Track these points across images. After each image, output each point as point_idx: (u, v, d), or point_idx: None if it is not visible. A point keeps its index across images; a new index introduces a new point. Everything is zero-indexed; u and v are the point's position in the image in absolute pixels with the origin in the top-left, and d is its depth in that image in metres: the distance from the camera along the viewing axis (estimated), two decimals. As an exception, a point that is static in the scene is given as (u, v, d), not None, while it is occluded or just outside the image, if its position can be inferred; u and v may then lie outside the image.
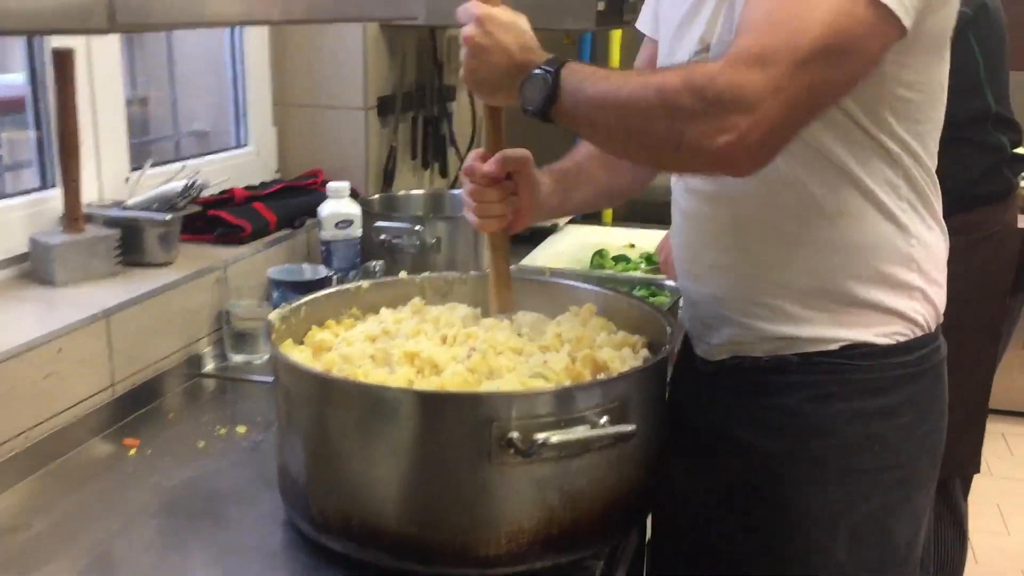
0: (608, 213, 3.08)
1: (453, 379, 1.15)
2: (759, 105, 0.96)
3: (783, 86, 0.97)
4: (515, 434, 1.03)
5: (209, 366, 1.73)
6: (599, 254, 2.24)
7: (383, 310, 1.41)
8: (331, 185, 1.97)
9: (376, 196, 2.28)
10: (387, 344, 1.29)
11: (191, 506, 1.26)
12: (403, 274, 1.46)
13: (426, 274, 1.47)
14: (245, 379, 1.69)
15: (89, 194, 1.76)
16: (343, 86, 2.27)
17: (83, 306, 1.49)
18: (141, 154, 2.13)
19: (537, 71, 1.11)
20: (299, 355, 1.24)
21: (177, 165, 1.88)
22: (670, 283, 1.79)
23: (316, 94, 2.29)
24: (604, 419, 1.07)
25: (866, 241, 1.17)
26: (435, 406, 1.05)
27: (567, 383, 1.17)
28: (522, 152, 1.29)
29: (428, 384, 1.15)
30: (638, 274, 2.03)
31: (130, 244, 1.68)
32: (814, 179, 1.15)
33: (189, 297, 1.70)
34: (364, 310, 1.42)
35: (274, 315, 1.26)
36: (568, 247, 2.43)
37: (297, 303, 1.33)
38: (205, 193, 1.88)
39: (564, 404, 1.06)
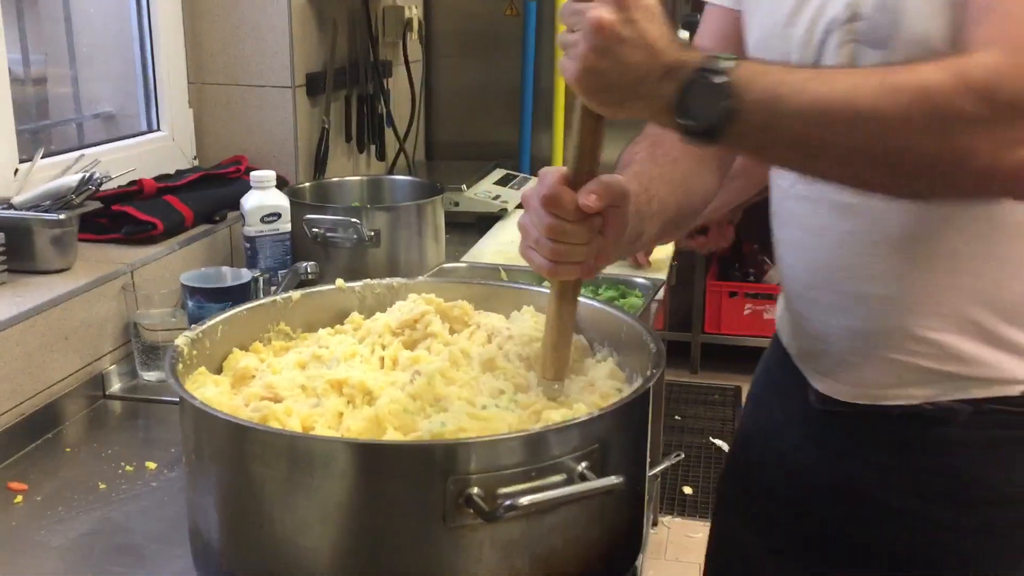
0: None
1: (390, 408, 0.96)
2: None
3: None
4: (476, 490, 0.84)
5: (115, 386, 1.51)
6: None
7: (321, 331, 1.21)
8: (255, 174, 1.75)
9: (307, 184, 2.06)
10: (319, 371, 1.09)
11: (87, 568, 1.05)
12: (339, 282, 1.26)
13: (366, 281, 1.27)
14: (158, 400, 1.48)
15: (-33, 189, 1.53)
16: (267, 62, 2.05)
17: (-43, 325, 1.27)
18: (37, 141, 1.89)
19: (703, 74, 0.81)
20: (213, 389, 1.04)
21: (74, 155, 1.64)
22: (639, 279, 1.61)
23: (237, 71, 2.06)
24: (583, 465, 0.89)
25: None
26: (376, 459, 0.86)
27: (532, 413, 0.99)
28: (622, 183, 0.94)
29: (360, 417, 0.96)
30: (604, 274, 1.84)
31: (17, 249, 1.45)
32: None
33: (90, 308, 1.48)
34: (295, 326, 1.22)
35: (181, 340, 1.06)
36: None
37: (212, 321, 1.12)
38: (109, 185, 1.64)
39: (535, 451, 0.87)
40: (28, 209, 1.48)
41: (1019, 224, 0.97)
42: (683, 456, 2.62)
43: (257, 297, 1.60)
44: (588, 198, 0.91)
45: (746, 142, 0.85)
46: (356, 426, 0.94)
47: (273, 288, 1.69)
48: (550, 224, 0.93)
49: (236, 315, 1.16)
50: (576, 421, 0.90)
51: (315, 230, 1.85)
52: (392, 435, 0.93)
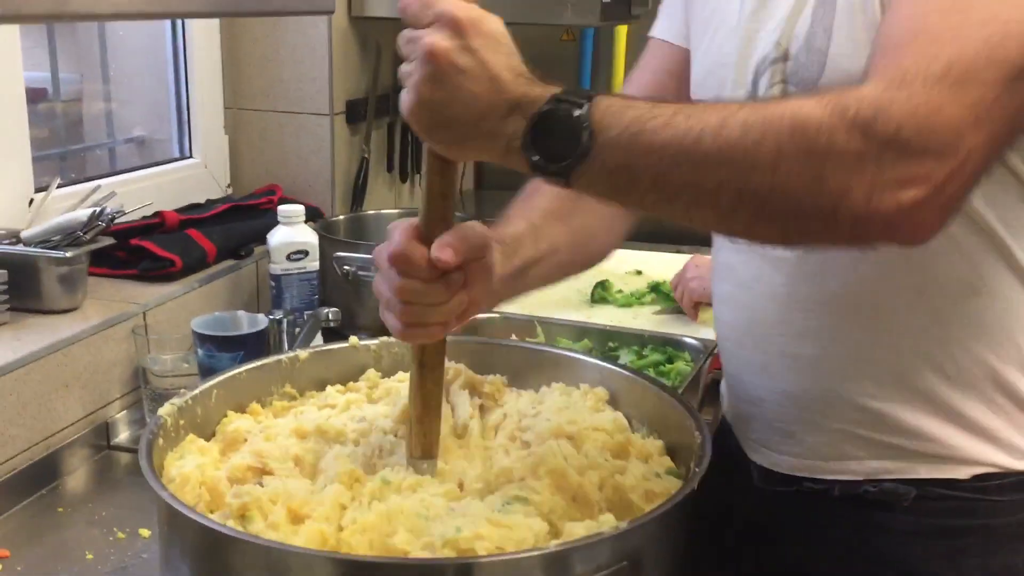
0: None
1: (404, 507, 0.83)
2: (958, 143, 0.66)
3: (985, 116, 0.67)
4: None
5: (123, 435, 1.41)
6: (601, 286, 1.91)
7: (329, 388, 1.10)
8: (282, 209, 1.65)
9: (341, 217, 1.95)
10: (319, 446, 0.97)
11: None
12: (353, 340, 1.14)
13: (383, 339, 1.15)
14: (165, 452, 1.37)
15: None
16: (306, 88, 1.95)
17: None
18: (66, 168, 1.82)
19: (560, 105, 0.73)
20: (195, 460, 0.92)
21: (92, 185, 1.55)
22: (690, 340, 1.46)
23: (275, 97, 1.96)
24: (608, 585, 0.75)
25: (1007, 320, 0.88)
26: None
27: (555, 509, 0.86)
28: (482, 231, 0.86)
29: (370, 513, 0.83)
30: (649, 327, 1.67)
31: (22, 287, 1.36)
32: (947, 244, 0.84)
33: (97, 351, 1.38)
34: (302, 387, 1.10)
35: (166, 409, 0.94)
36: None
37: (205, 386, 1.01)
38: (131, 216, 1.55)
39: (552, 569, 0.74)
40: (36, 244, 1.40)
41: (963, 280, 0.88)
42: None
43: (275, 346, 1.49)
44: (443, 252, 0.81)
45: (602, 183, 0.75)
46: (362, 520, 0.81)
47: (297, 331, 1.58)
48: (401, 285, 0.83)
49: (234, 377, 1.04)
50: (600, 536, 0.76)
51: (346, 268, 1.74)
52: (401, 537, 0.80)
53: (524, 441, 1.01)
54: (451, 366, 1.07)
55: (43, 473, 1.27)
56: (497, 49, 0.75)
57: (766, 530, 1.05)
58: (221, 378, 1.02)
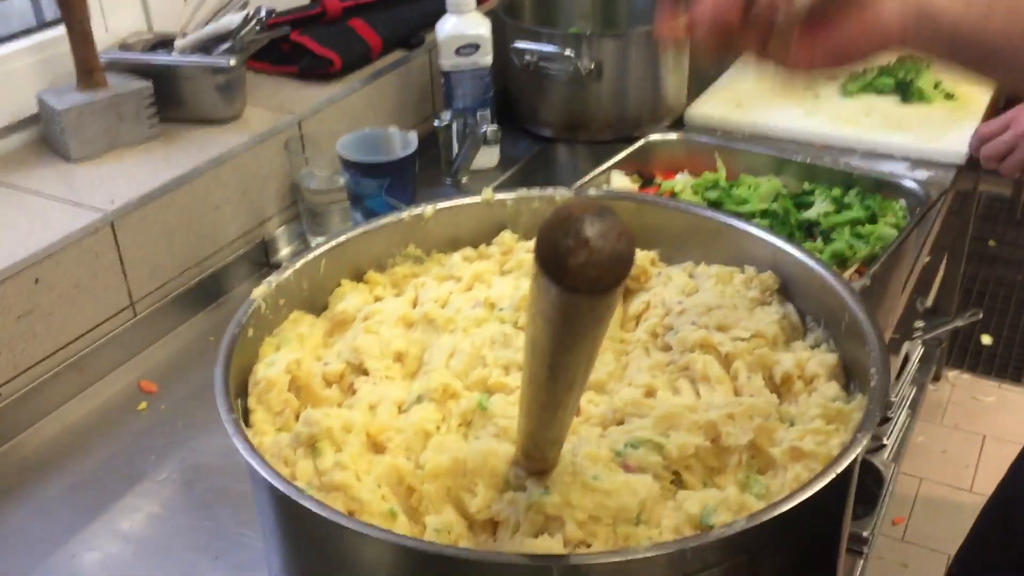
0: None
1: (486, 451, 0.71)
2: None
3: None
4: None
5: (284, 252, 1.37)
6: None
7: (455, 255, 0.97)
8: (452, -5, 1.46)
9: (527, -2, 1.72)
10: (426, 336, 0.86)
11: (183, 515, 0.94)
12: (487, 193, 0.98)
13: (520, 192, 0.99)
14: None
15: (131, 23, 1.37)
16: None
17: (94, 193, 1.15)
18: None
19: None
20: (295, 349, 0.83)
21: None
22: (910, 182, 1.17)
23: None
24: (719, 586, 0.62)
25: None
26: (435, 569, 0.62)
27: (684, 456, 0.71)
28: None
29: (445, 450, 0.72)
30: (871, 140, 1.34)
31: (174, 97, 1.29)
32: None
33: (256, 164, 1.31)
34: (429, 247, 0.98)
35: (260, 291, 0.85)
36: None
37: (310, 256, 0.90)
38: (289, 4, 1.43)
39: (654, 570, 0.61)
40: (192, 52, 1.31)
41: None
42: (980, 316, 2.19)
43: (445, 154, 1.36)
44: None
45: None
46: (433, 463, 0.71)
47: (470, 132, 1.43)
48: None
49: (346, 243, 0.93)
50: (722, 534, 0.60)
51: (527, 59, 1.55)
52: (481, 493, 0.69)
53: (666, 343, 0.85)
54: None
55: (207, 294, 1.26)
56: None
57: None
58: (329, 246, 0.91)
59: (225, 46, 1.32)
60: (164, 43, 1.34)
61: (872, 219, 1.16)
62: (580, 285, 0.47)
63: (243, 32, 1.30)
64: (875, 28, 0.71)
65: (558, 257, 0.47)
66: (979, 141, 1.34)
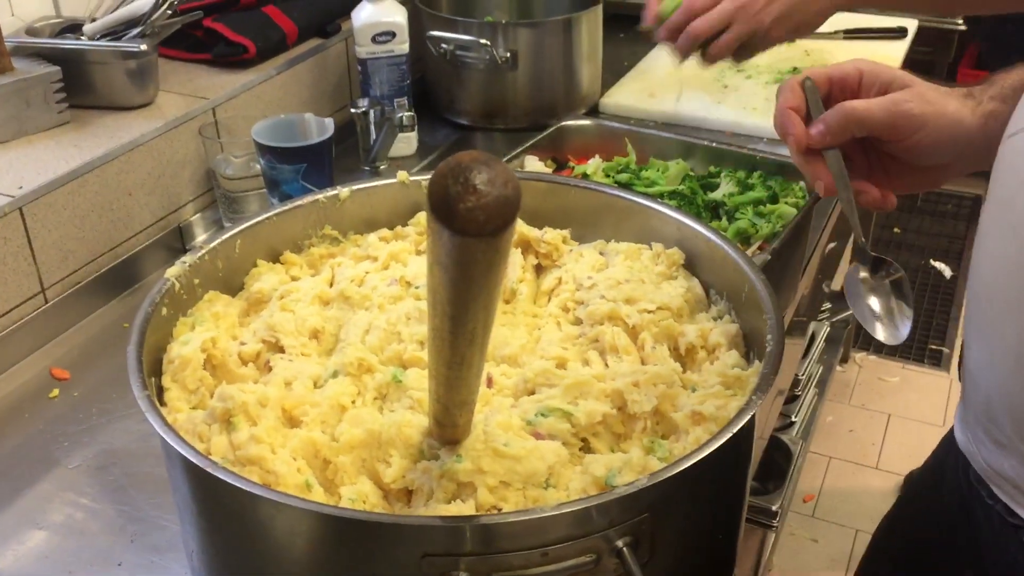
0: None
1: (402, 423, 0.73)
2: None
3: None
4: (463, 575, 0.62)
5: (200, 238, 1.37)
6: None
7: (371, 236, 0.98)
8: (367, -19, 1.47)
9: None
10: (342, 313, 0.88)
11: (98, 500, 0.94)
12: (401, 175, 1.00)
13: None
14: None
15: (38, 7, 1.34)
16: None
17: (1, 178, 1.13)
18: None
19: None
20: (210, 328, 0.84)
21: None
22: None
23: None
24: (622, 542, 0.64)
25: None
26: (339, 529, 0.64)
27: (592, 423, 0.74)
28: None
29: (360, 421, 0.73)
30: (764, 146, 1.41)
31: (84, 83, 1.27)
32: None
33: (170, 150, 1.30)
34: (345, 229, 0.99)
35: (174, 270, 0.85)
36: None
37: (225, 236, 0.91)
38: (206, -9, 1.42)
39: (561, 528, 0.63)
40: (101, 38, 1.29)
41: None
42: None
43: (363, 142, 1.37)
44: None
45: None
46: (348, 436, 0.73)
47: (387, 119, 1.44)
48: None
49: (261, 224, 0.94)
50: (624, 492, 0.63)
51: (443, 47, 1.57)
52: (395, 463, 0.71)
53: (577, 317, 0.88)
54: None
55: (120, 279, 1.25)
56: None
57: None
58: (244, 226, 0.92)
59: (136, 31, 1.31)
60: (73, 28, 1.32)
61: (774, 199, 1.21)
62: (469, 228, 0.49)
63: (154, 16, 1.29)
64: None
65: (448, 202, 0.49)
66: (686, 15, 1.17)
